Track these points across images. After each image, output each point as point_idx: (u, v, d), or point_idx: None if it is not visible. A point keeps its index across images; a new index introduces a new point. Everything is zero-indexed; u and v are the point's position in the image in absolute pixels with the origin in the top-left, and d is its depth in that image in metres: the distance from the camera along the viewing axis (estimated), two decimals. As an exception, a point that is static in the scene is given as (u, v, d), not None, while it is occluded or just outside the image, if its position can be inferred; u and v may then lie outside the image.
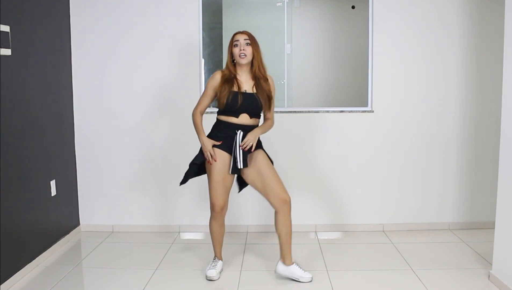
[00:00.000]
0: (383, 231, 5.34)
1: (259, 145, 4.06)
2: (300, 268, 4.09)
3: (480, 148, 5.28)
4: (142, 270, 4.33)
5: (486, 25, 5.12)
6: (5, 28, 3.93)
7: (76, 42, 5.20)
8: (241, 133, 3.93)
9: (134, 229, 5.39)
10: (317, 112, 5.25)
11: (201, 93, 5.16)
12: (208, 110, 4.21)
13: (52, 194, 4.77)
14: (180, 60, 5.22)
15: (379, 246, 4.94)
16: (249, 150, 3.94)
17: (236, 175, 4.12)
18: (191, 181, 4.22)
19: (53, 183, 4.77)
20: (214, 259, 4.25)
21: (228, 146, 3.95)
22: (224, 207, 4.07)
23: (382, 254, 4.72)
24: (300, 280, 4.06)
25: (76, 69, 5.22)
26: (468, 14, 5.12)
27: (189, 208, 5.39)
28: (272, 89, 4.08)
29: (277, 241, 5.01)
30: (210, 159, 3.96)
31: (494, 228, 3.98)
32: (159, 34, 5.19)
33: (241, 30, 4.03)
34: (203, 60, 5.27)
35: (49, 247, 4.68)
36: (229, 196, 4.14)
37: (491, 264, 4.05)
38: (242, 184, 4.21)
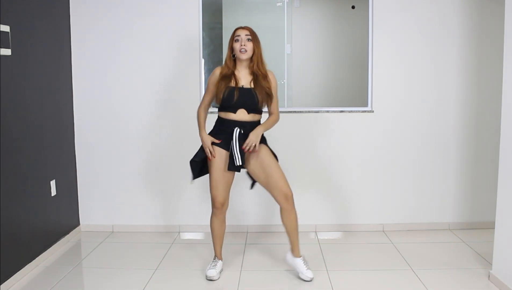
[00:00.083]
0: (383, 231, 5.34)
1: (263, 141, 4.06)
2: (305, 264, 4.11)
3: (480, 148, 5.28)
4: (142, 270, 4.33)
5: (486, 25, 5.12)
6: (5, 28, 3.93)
7: (76, 42, 5.20)
8: (238, 130, 3.93)
9: (134, 229, 5.39)
10: (317, 112, 5.25)
11: (201, 91, 5.22)
12: (210, 109, 4.22)
13: (52, 194, 4.77)
14: (180, 60, 5.22)
15: (379, 246, 4.94)
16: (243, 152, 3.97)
17: (247, 172, 4.13)
18: (189, 180, 4.22)
19: (53, 183, 4.78)
20: (214, 259, 4.25)
21: (227, 143, 3.97)
22: (224, 203, 4.09)
23: (382, 254, 4.72)
24: (301, 275, 4.09)
25: (76, 69, 5.22)
26: (468, 14, 5.12)
27: (189, 208, 5.39)
28: (273, 85, 4.06)
29: (277, 241, 5.05)
30: (210, 155, 3.99)
31: (494, 228, 3.99)
32: (159, 34, 5.19)
33: (242, 26, 4.04)
34: (203, 60, 5.27)
35: (49, 247, 4.68)
36: (230, 197, 4.16)
37: (491, 264, 4.06)
38: (254, 180, 4.19)
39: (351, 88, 5.64)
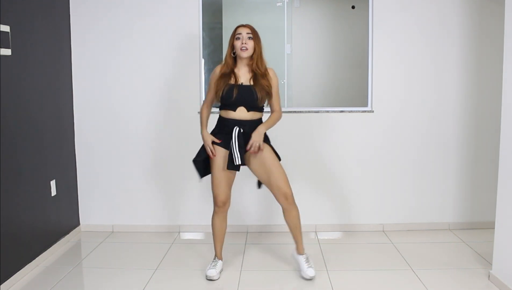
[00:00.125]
0: (383, 231, 5.34)
1: (266, 140, 4.07)
2: (307, 262, 4.14)
3: (480, 148, 5.28)
4: (142, 270, 4.33)
5: (486, 25, 5.12)
6: (5, 28, 3.93)
7: (76, 42, 5.20)
8: (237, 129, 3.94)
9: (134, 229, 5.39)
10: (317, 112, 5.25)
11: (201, 91, 5.23)
12: (213, 109, 4.22)
13: (52, 194, 4.77)
14: (180, 60, 5.22)
15: (379, 246, 4.94)
16: (244, 150, 3.97)
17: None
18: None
19: (53, 183, 4.78)
20: (214, 259, 4.25)
21: (227, 142, 3.98)
22: (226, 202, 4.10)
23: (382, 254, 4.72)
24: (302, 273, 4.12)
25: (76, 69, 5.22)
26: (468, 14, 5.12)
27: (189, 208, 5.39)
28: (274, 82, 4.06)
29: (277, 241, 5.05)
30: (210, 153, 4.02)
31: (494, 228, 3.99)
32: (159, 34, 5.19)
33: (244, 23, 4.04)
34: (203, 60, 5.27)
35: (49, 247, 4.68)
36: (230, 197, 4.17)
37: (491, 264, 4.06)
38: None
39: (351, 88, 5.64)
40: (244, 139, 3.95)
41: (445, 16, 5.12)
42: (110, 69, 5.23)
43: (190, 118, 5.23)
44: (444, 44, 5.16)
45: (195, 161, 4.14)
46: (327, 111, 5.26)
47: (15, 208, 4.12)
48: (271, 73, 4.05)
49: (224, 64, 4.08)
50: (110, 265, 4.49)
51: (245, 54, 3.96)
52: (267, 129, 4.04)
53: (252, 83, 3.97)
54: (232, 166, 3.95)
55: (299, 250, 4.20)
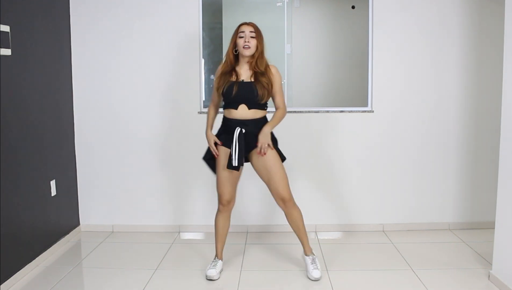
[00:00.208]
0: (383, 231, 5.34)
1: (274, 141, 4.06)
2: (313, 263, 4.15)
3: (480, 148, 5.28)
4: (142, 270, 4.33)
5: (486, 25, 5.12)
6: (5, 28, 3.93)
7: (76, 42, 5.20)
8: (239, 130, 3.93)
9: (134, 229, 5.39)
10: (317, 112, 5.25)
11: (201, 91, 5.23)
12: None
13: (52, 194, 4.77)
14: (180, 60, 5.21)
15: (379, 246, 4.94)
16: (247, 150, 3.98)
17: None
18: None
19: (53, 183, 4.78)
20: (214, 259, 4.25)
21: (230, 142, 3.97)
22: (231, 201, 4.12)
23: (382, 254, 4.72)
24: (307, 274, 4.14)
25: (76, 69, 5.22)
26: (468, 14, 5.12)
27: (189, 208, 5.39)
28: (276, 79, 4.03)
29: (277, 241, 5.05)
30: (214, 153, 4.05)
31: (494, 228, 3.99)
32: (159, 34, 5.19)
33: (247, 22, 4.03)
34: (203, 60, 5.27)
35: (49, 247, 4.68)
36: (235, 196, 4.19)
37: (491, 264, 4.05)
38: None
39: (351, 88, 5.64)
40: (248, 139, 3.95)
41: (445, 16, 5.12)
42: (110, 69, 5.23)
43: (190, 118, 5.23)
44: (444, 44, 5.16)
45: (204, 159, 4.18)
46: (327, 111, 5.26)
47: (15, 208, 4.12)
48: (273, 70, 4.03)
49: (224, 63, 4.08)
50: (110, 265, 4.49)
51: (248, 53, 3.95)
52: (272, 128, 4.02)
53: (253, 79, 3.96)
54: (230, 166, 3.95)
55: (305, 251, 4.22)
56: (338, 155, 5.29)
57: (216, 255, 4.27)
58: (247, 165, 4.13)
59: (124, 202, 5.40)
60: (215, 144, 4.06)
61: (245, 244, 5.00)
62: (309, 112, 5.22)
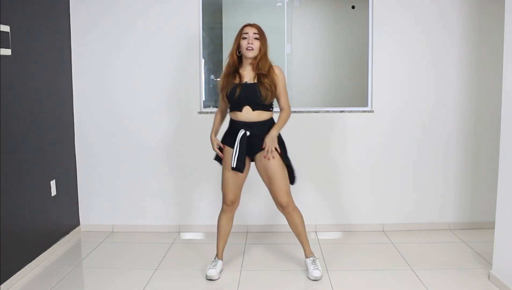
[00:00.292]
0: (383, 231, 5.34)
1: (280, 142, 4.05)
2: (313, 264, 4.16)
3: (480, 148, 5.28)
4: (142, 270, 4.33)
5: (486, 25, 5.12)
6: (5, 28, 3.93)
7: (76, 42, 5.20)
8: (242, 132, 3.93)
9: (134, 229, 5.39)
10: (317, 112, 5.25)
11: (201, 91, 5.23)
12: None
13: (52, 194, 4.78)
14: (181, 59, 5.22)
15: (379, 246, 4.94)
16: (252, 152, 4.00)
17: None
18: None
19: (53, 183, 4.78)
20: (214, 259, 4.25)
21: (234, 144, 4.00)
22: (235, 201, 4.14)
23: (382, 254, 4.72)
24: (308, 274, 4.15)
25: (76, 69, 5.22)
26: (469, 14, 5.12)
27: (188, 208, 5.39)
28: (280, 79, 4.01)
29: (277, 241, 5.05)
30: (219, 155, 4.11)
31: (494, 228, 3.99)
32: (159, 34, 5.19)
33: (251, 23, 4.03)
34: (203, 60, 5.27)
35: (49, 247, 4.69)
36: (240, 197, 4.20)
37: (491, 264, 4.06)
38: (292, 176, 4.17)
39: (351, 88, 5.64)
40: (252, 141, 3.96)
41: (445, 16, 5.13)
42: (110, 69, 5.24)
43: (190, 118, 5.24)
44: (444, 44, 5.16)
45: (216, 159, 4.22)
46: (327, 111, 5.26)
47: (15, 208, 4.12)
48: (277, 71, 4.01)
49: (227, 66, 4.07)
50: (110, 265, 4.49)
51: (251, 54, 3.95)
52: (279, 131, 4.02)
53: (256, 81, 3.95)
54: (232, 168, 3.96)
55: (306, 253, 4.23)
56: (338, 155, 5.29)
57: (217, 255, 4.27)
58: (251, 166, 4.15)
59: (124, 202, 5.40)
60: (221, 147, 4.09)
61: (245, 244, 5.01)
62: (309, 112, 5.22)
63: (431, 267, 4.34)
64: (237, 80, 3.97)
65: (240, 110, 3.96)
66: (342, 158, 5.30)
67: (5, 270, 3.94)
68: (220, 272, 4.21)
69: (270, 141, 3.93)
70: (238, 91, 3.91)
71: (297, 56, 5.62)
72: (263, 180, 4.09)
